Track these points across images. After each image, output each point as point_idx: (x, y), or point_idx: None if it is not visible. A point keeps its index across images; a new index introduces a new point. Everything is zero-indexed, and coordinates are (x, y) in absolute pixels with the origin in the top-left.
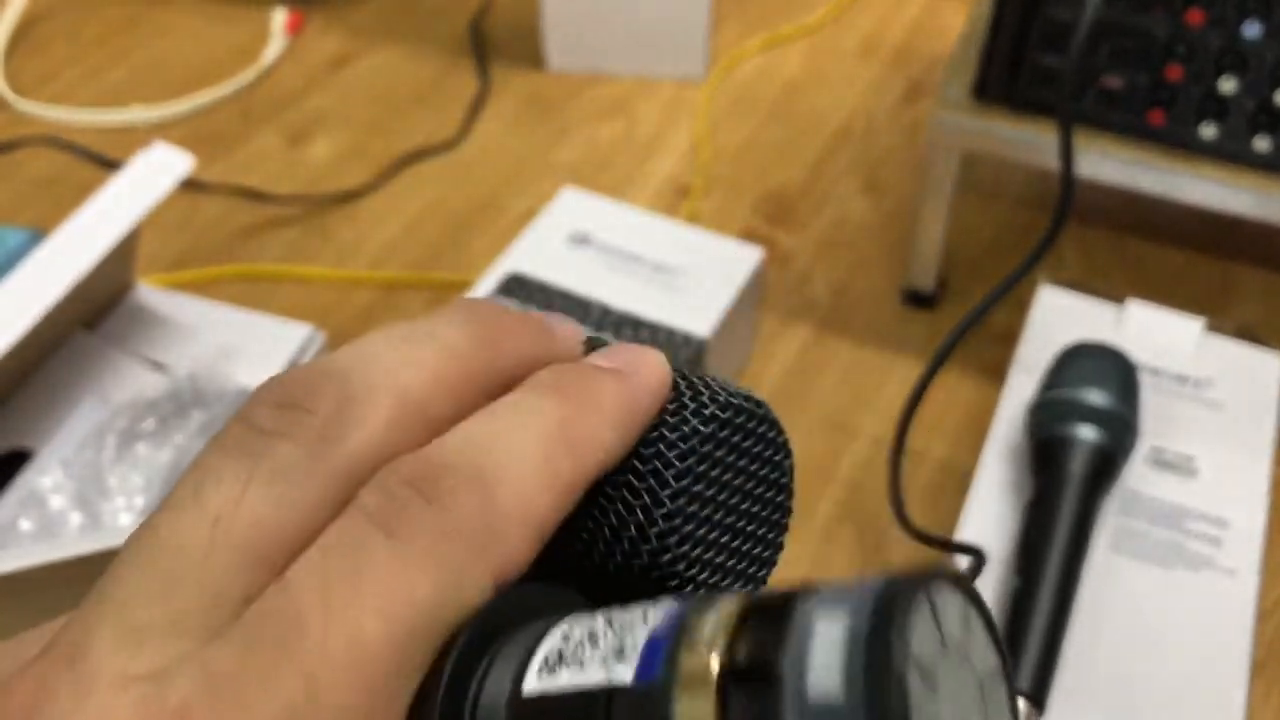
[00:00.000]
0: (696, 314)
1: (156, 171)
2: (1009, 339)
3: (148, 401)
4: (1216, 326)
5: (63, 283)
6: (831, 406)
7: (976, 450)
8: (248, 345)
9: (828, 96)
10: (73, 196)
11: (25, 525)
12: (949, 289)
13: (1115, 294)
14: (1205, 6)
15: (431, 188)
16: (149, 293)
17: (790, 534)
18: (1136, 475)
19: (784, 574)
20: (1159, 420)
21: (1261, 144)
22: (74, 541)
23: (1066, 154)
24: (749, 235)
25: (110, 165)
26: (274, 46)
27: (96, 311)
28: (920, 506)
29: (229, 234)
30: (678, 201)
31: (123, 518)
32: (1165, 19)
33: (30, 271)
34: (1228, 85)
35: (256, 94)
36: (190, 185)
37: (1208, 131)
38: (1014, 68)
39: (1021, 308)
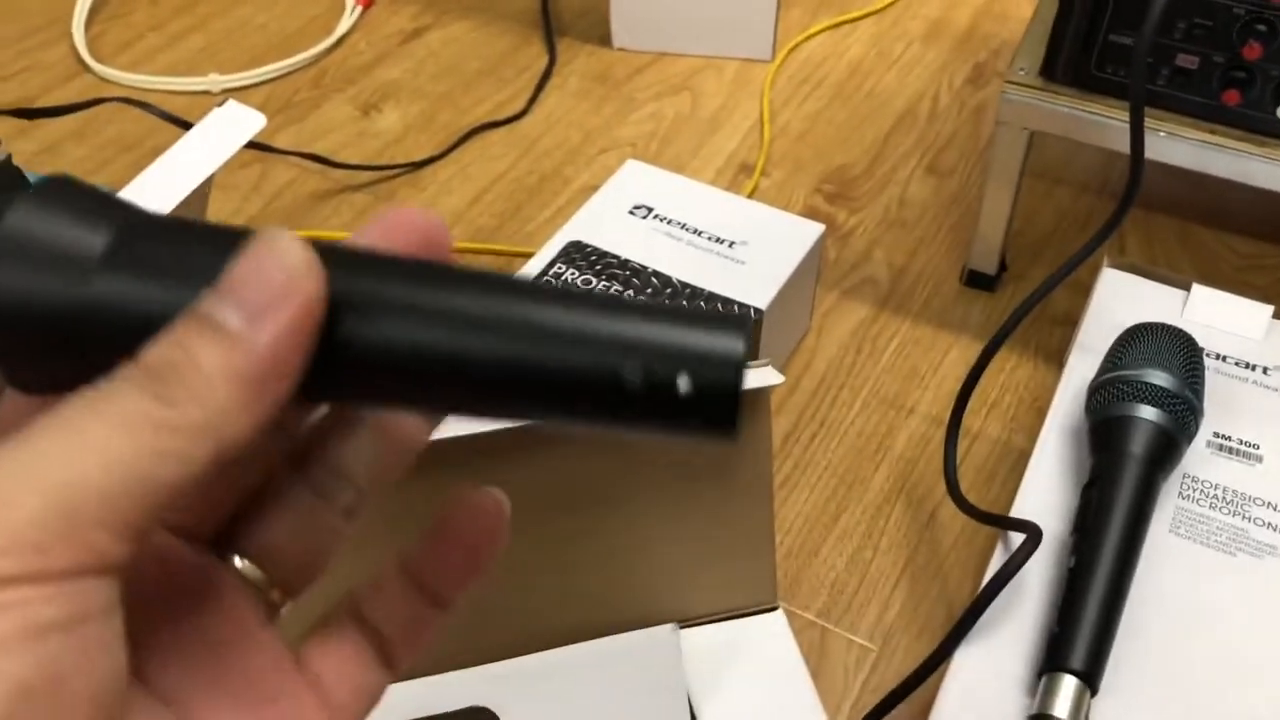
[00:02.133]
0: (754, 286)
1: (228, 129)
2: (1067, 322)
3: None
4: None
5: None
6: (888, 384)
7: (1030, 432)
8: None
9: (893, 79)
10: (150, 158)
11: None
12: (1009, 272)
13: (1177, 281)
14: None
15: (497, 159)
16: None
17: (844, 508)
18: (1198, 459)
19: (836, 546)
20: (1223, 406)
21: None
22: None
23: (1137, 132)
24: (810, 213)
25: (187, 127)
26: (347, 18)
27: None
28: (973, 486)
29: (299, 199)
30: (740, 178)
31: None
32: None
33: None
34: None
35: (329, 64)
36: (263, 150)
37: None
38: (1086, 46)
39: (1080, 292)
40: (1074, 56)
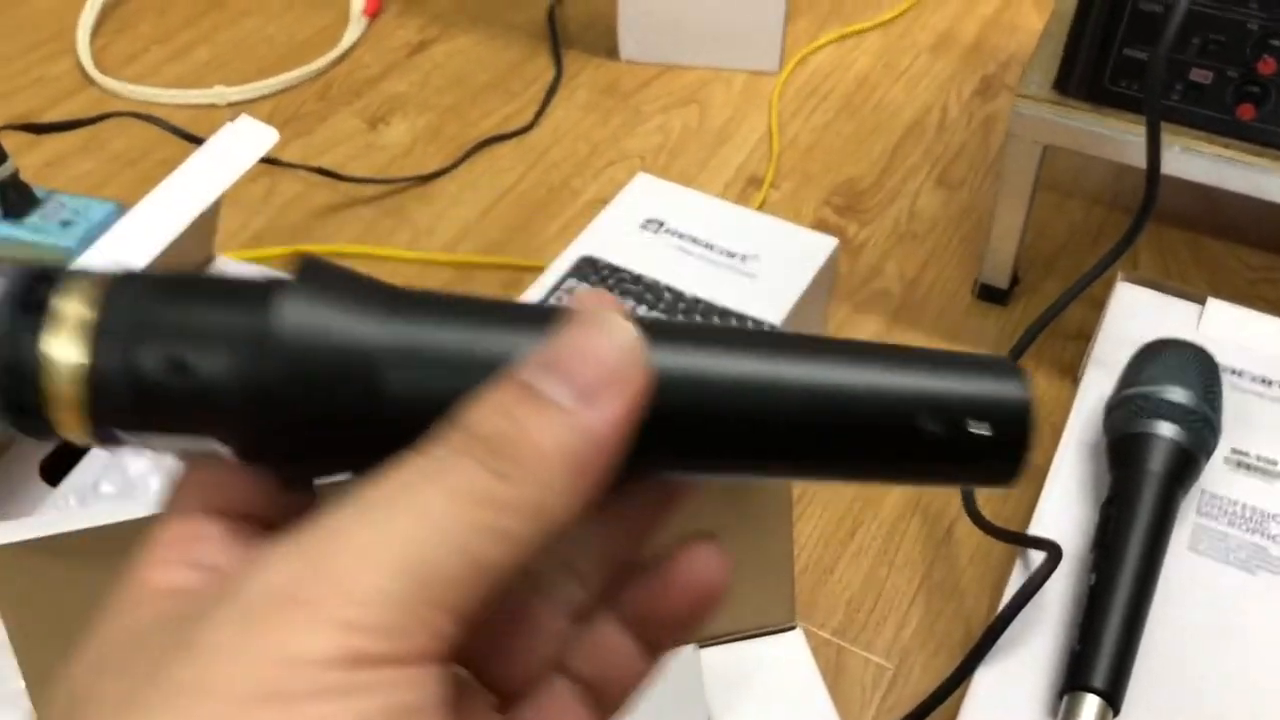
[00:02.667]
0: (769, 300)
1: (241, 145)
2: (1080, 337)
3: None
4: None
5: (147, 253)
6: None
7: (1044, 447)
8: None
9: (900, 91)
10: (157, 171)
11: (106, 488)
12: (1021, 285)
13: (1192, 295)
14: None
15: (506, 172)
16: (230, 265)
17: (859, 524)
18: (1216, 476)
19: (852, 563)
20: (1240, 422)
21: None
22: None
23: (1154, 146)
24: (820, 226)
25: (194, 141)
26: (353, 30)
27: None
28: (988, 501)
29: (307, 213)
30: (749, 191)
31: None
32: (1259, 10)
33: (115, 242)
34: None
35: (336, 76)
36: (270, 164)
37: None
38: (1100, 60)
39: (1093, 306)
40: (1088, 70)
